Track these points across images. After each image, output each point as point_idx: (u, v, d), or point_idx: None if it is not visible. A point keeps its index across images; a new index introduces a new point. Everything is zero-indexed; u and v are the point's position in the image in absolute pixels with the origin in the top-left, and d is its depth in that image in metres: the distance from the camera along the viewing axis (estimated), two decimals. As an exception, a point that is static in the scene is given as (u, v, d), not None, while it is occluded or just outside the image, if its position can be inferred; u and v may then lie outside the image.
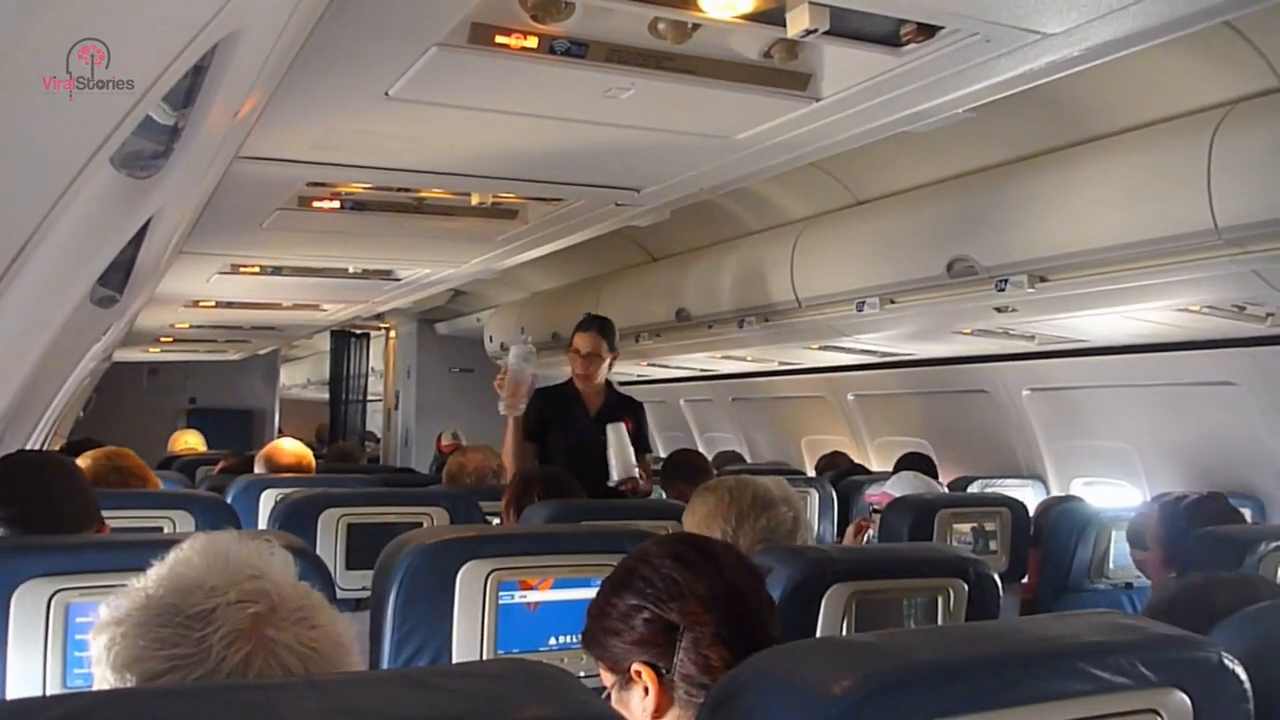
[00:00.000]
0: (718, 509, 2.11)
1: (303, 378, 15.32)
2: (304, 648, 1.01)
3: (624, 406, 4.18)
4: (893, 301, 3.93)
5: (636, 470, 3.79)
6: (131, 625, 0.99)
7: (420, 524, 2.79)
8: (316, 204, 3.70)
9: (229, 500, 3.23)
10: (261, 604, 1.01)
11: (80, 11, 1.08)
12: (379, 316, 8.61)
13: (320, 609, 1.05)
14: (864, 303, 4.01)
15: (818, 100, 2.50)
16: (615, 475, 3.74)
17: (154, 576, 1.04)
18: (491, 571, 1.90)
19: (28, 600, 1.62)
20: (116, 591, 1.04)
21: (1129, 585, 3.72)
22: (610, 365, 4.16)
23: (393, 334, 9.91)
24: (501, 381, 3.92)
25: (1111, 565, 3.72)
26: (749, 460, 6.91)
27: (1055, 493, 4.80)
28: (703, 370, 6.78)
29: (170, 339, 8.79)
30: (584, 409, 4.14)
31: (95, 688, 1.00)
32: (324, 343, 11.61)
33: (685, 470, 4.18)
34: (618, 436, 3.79)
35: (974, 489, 4.74)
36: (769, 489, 2.15)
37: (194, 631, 0.98)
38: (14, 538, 1.86)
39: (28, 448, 3.72)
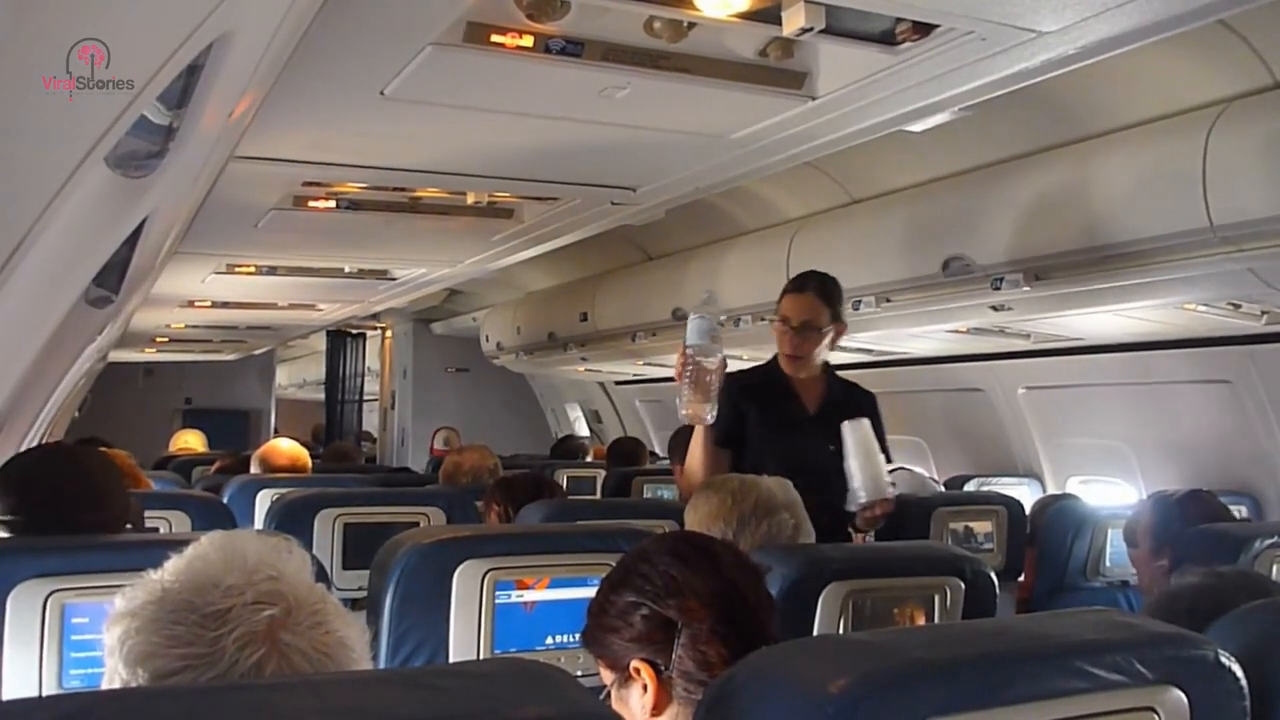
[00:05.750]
0: (719, 511, 2.10)
1: (298, 378, 15.30)
2: (317, 653, 1.00)
3: (853, 400, 3.08)
4: (888, 300, 3.93)
5: (891, 488, 2.78)
6: (146, 620, 0.99)
7: (417, 524, 2.80)
8: (312, 204, 3.70)
9: (225, 500, 3.23)
10: (278, 607, 1.00)
11: (80, 11, 1.08)
12: (375, 316, 8.60)
13: (335, 613, 1.05)
14: (860, 301, 4.01)
15: (813, 99, 2.50)
16: (862, 495, 2.72)
17: (171, 569, 1.04)
18: (488, 571, 1.89)
19: (24, 600, 1.62)
20: (131, 584, 1.03)
21: (1125, 583, 3.72)
22: (835, 342, 3.10)
23: (388, 334, 9.89)
24: (682, 371, 2.83)
25: (1108, 563, 3.72)
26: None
27: (1051, 491, 4.80)
28: (699, 369, 6.77)
29: (166, 339, 8.79)
30: (798, 403, 3.09)
31: (107, 680, 1.00)
32: (320, 343, 11.59)
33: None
34: (863, 440, 2.76)
35: (970, 487, 4.75)
36: (773, 494, 2.14)
37: (208, 631, 0.97)
38: (12, 538, 1.86)
39: (23, 449, 3.72)
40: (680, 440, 4.24)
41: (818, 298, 3.03)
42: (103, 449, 3.18)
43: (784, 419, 3.03)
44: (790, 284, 3.09)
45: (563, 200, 3.68)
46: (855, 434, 2.75)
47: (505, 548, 1.94)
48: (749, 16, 2.10)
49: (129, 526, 2.13)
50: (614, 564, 1.54)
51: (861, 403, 3.02)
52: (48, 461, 2.06)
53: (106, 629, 1.02)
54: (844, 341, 4.78)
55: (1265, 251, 2.74)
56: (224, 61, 1.46)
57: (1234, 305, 3.42)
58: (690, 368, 2.78)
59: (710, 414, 2.81)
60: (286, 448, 4.18)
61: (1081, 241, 3.11)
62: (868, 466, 2.72)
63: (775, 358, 3.16)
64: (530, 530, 2.34)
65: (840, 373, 3.24)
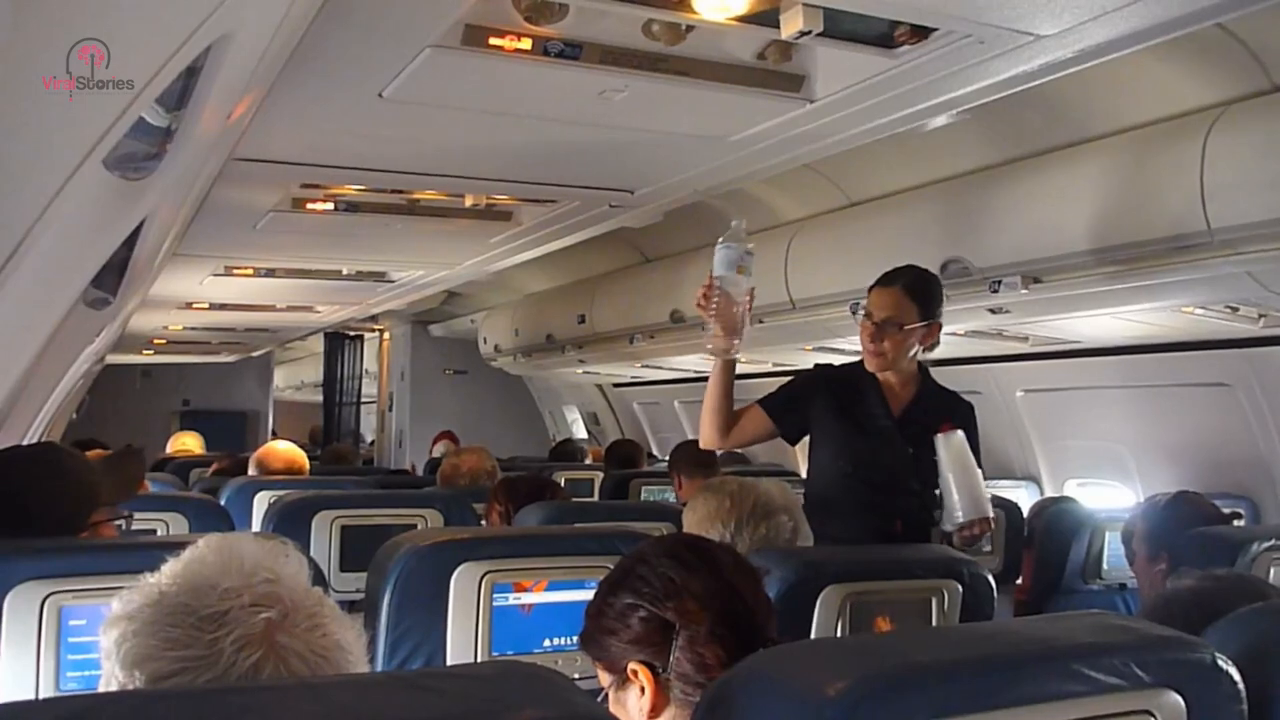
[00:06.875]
0: (717, 513, 2.10)
1: (296, 380, 15.30)
2: (314, 655, 1.01)
3: (946, 409, 2.81)
4: (887, 302, 3.92)
5: (990, 506, 2.58)
6: (143, 622, 0.99)
7: (414, 526, 2.79)
8: (310, 206, 3.70)
9: (222, 502, 3.23)
10: (275, 610, 1.00)
11: (80, 11, 1.08)
12: (373, 318, 8.60)
13: (332, 616, 1.05)
14: (858, 304, 4.00)
15: (812, 102, 2.51)
16: (959, 514, 2.53)
17: (168, 573, 1.04)
18: (486, 574, 1.89)
19: (21, 603, 1.61)
20: (126, 589, 1.03)
21: (1123, 586, 3.73)
22: (927, 343, 2.80)
23: (386, 336, 9.90)
24: (707, 303, 2.68)
25: (1105, 566, 3.72)
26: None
27: (1049, 494, 4.80)
28: (697, 372, 6.77)
29: (164, 341, 8.79)
30: (882, 404, 2.83)
31: (104, 683, 1.00)
32: (318, 345, 11.60)
33: (695, 458, 4.04)
34: (959, 455, 2.56)
35: (968, 490, 4.73)
36: (772, 496, 2.13)
37: (205, 634, 0.98)
38: (8, 540, 1.85)
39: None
40: (682, 453, 4.22)
41: (905, 294, 2.77)
42: (101, 451, 3.17)
43: (864, 418, 2.80)
44: (880, 277, 2.84)
45: (561, 203, 3.68)
46: (950, 448, 2.56)
47: (503, 550, 1.94)
48: (747, 19, 2.10)
49: (122, 521, 2.10)
50: (612, 566, 1.54)
51: (955, 412, 2.79)
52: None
53: (103, 631, 1.02)
54: (841, 344, 4.82)
55: (1263, 255, 2.74)
56: (223, 63, 1.46)
57: (1232, 308, 3.42)
58: (716, 298, 2.66)
59: (736, 348, 2.71)
60: (284, 450, 4.18)
61: (1079, 244, 3.12)
62: (965, 483, 2.54)
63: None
64: (528, 533, 2.34)
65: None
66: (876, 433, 2.79)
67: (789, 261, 4.37)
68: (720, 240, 2.70)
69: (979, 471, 2.59)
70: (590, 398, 8.81)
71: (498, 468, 3.94)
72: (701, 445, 2.94)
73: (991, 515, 2.59)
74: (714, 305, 2.66)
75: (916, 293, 2.78)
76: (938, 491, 2.63)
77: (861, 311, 2.84)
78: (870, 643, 1.09)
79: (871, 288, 2.85)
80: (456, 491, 3.53)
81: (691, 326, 5.22)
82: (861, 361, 2.89)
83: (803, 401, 2.88)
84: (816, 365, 2.99)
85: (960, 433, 2.60)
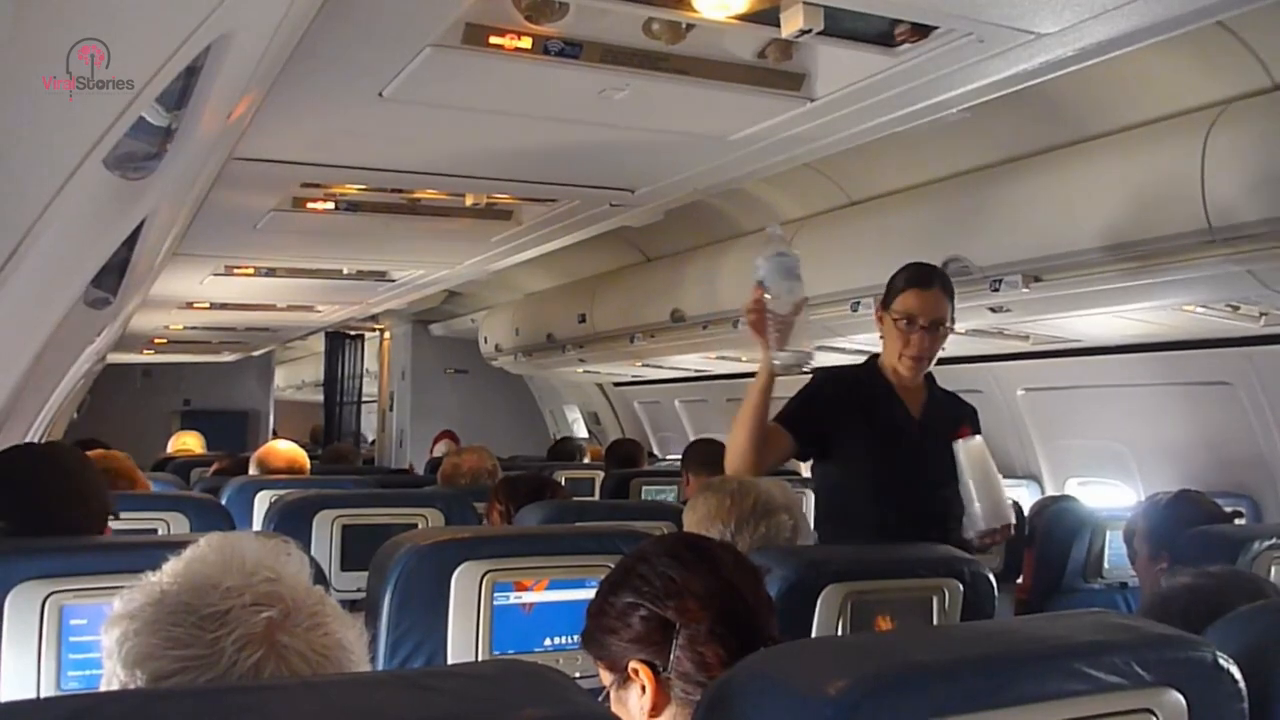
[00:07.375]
0: (718, 512, 2.10)
1: (297, 379, 15.30)
2: (315, 654, 1.01)
3: (956, 411, 2.84)
4: (887, 301, 3.92)
5: (1010, 511, 2.58)
6: (144, 622, 0.99)
7: (415, 525, 2.80)
8: (310, 205, 3.70)
9: (223, 502, 3.23)
10: (276, 609, 1.00)
11: (80, 11, 1.08)
12: (373, 318, 8.61)
13: (333, 615, 1.05)
14: (859, 303, 4.01)
15: (812, 100, 2.51)
16: (981, 522, 2.52)
17: (169, 572, 1.04)
18: (486, 573, 1.89)
19: (22, 602, 1.61)
20: (127, 588, 1.03)
21: (1124, 585, 3.72)
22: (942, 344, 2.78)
23: (387, 335, 9.89)
24: (758, 309, 2.54)
25: (1106, 565, 3.72)
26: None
27: (1050, 493, 4.80)
28: (697, 371, 6.78)
29: (164, 341, 8.80)
30: (901, 408, 2.78)
31: (105, 682, 1.00)
32: (318, 344, 11.60)
33: (705, 458, 3.99)
34: (979, 461, 2.54)
35: (969, 489, 4.73)
36: (772, 495, 2.13)
37: (206, 633, 0.98)
38: (9, 540, 1.85)
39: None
40: (694, 452, 4.16)
41: (944, 293, 2.70)
42: (102, 450, 3.17)
43: (886, 423, 2.72)
44: (911, 277, 2.71)
45: (561, 202, 3.68)
46: (970, 454, 2.53)
47: (504, 549, 1.94)
48: (747, 18, 2.10)
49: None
50: (612, 565, 1.54)
51: (963, 415, 2.79)
52: (24, 461, 2.01)
53: (105, 631, 1.02)
54: (843, 343, 4.82)
55: (1264, 253, 2.74)
56: (223, 62, 1.46)
57: (1233, 307, 3.41)
58: (771, 318, 2.51)
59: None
60: (285, 449, 4.18)
61: (1080, 243, 3.12)
62: (986, 490, 2.51)
63: (872, 359, 2.85)
64: (529, 532, 2.34)
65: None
66: (902, 437, 2.73)
67: (789, 261, 4.36)
68: (769, 251, 2.56)
69: (999, 477, 2.55)
70: (591, 397, 8.82)
71: (498, 467, 3.94)
72: (729, 471, 2.69)
73: (1013, 521, 2.55)
74: (773, 327, 2.53)
75: (949, 291, 2.73)
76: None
77: (900, 318, 2.70)
78: (871, 642, 1.09)
79: (903, 290, 2.71)
80: (457, 491, 3.53)
81: (692, 326, 5.22)
82: (866, 364, 2.85)
83: (820, 411, 2.76)
84: (821, 372, 2.89)
85: (979, 438, 2.56)
